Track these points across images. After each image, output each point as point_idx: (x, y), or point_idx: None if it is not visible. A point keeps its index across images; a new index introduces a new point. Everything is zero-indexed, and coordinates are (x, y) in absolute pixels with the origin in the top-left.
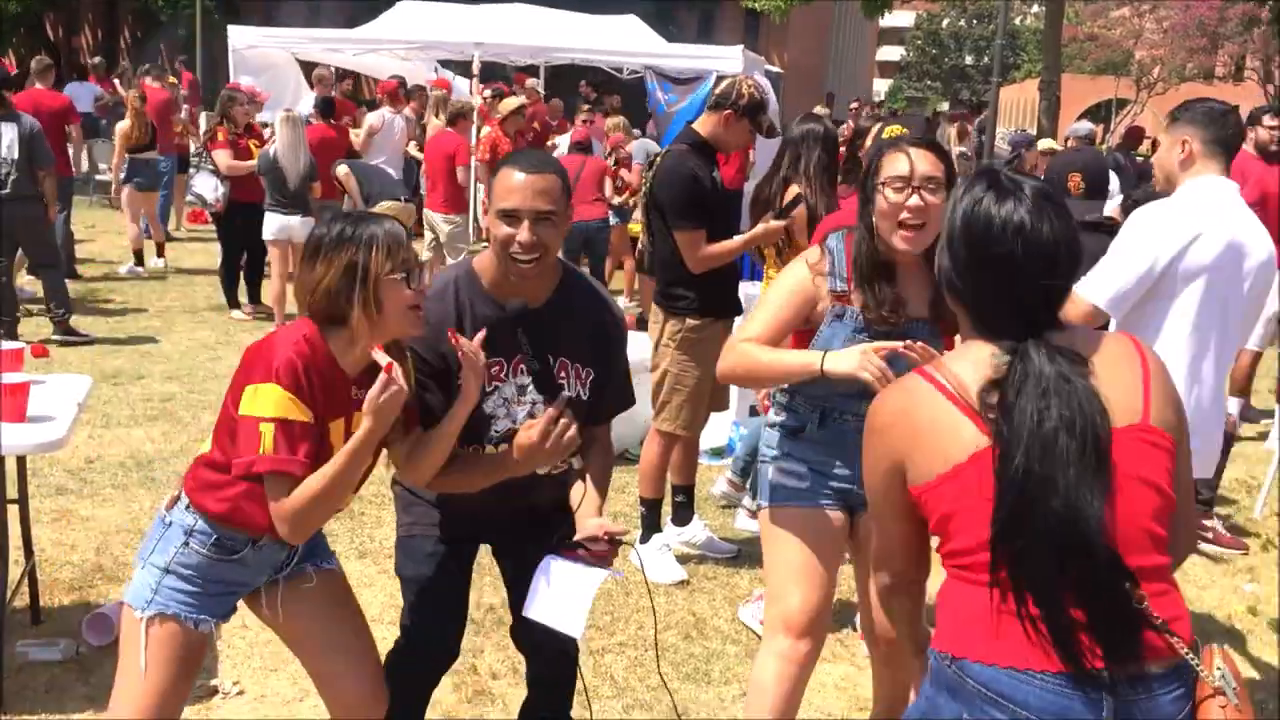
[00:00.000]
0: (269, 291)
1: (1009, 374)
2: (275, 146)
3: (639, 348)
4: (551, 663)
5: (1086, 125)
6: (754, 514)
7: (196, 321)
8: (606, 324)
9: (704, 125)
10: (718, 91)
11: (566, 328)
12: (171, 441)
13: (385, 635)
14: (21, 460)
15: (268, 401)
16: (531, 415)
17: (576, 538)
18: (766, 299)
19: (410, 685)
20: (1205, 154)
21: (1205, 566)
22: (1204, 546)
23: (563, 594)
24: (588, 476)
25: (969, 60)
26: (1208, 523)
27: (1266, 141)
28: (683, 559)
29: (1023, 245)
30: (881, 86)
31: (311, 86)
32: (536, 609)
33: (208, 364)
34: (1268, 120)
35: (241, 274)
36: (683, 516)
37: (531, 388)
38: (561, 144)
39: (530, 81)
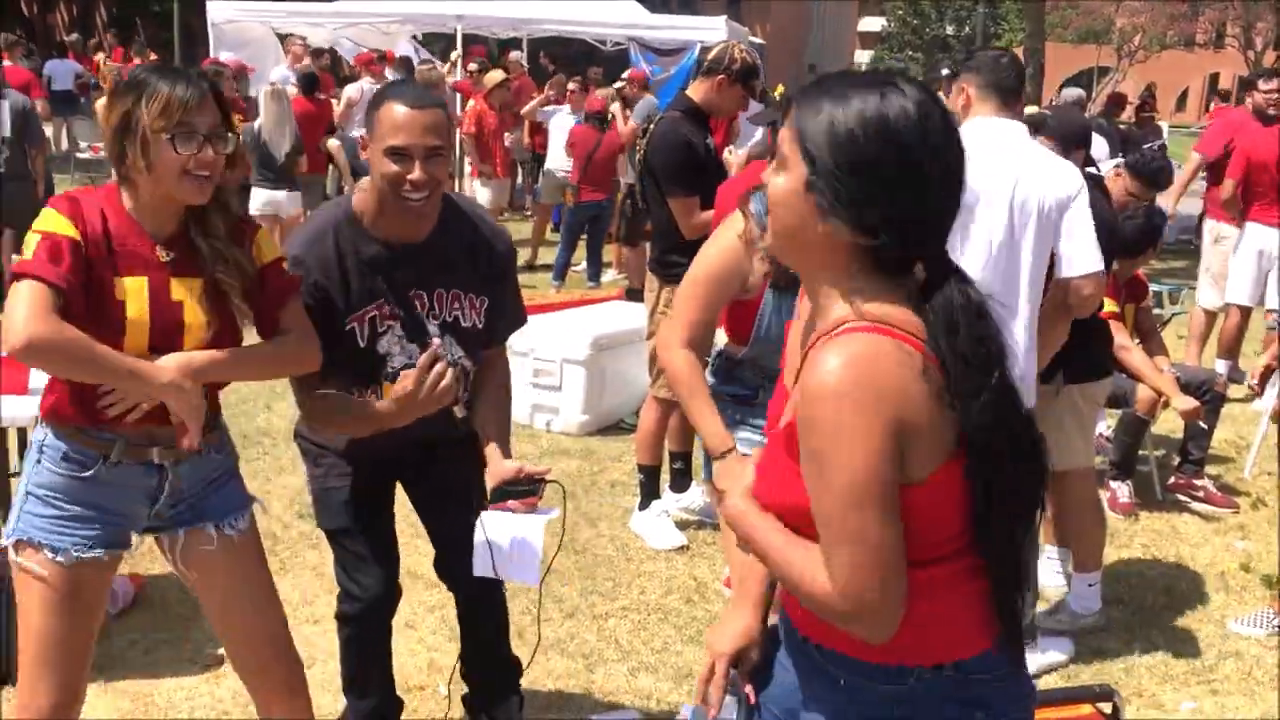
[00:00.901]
0: None
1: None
2: (260, 121)
3: (633, 317)
4: (478, 592)
5: (1076, 91)
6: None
7: None
8: (492, 246)
9: (697, 91)
10: (710, 57)
11: (455, 258)
12: None
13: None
14: (23, 432)
15: (39, 223)
16: (425, 350)
17: (493, 485)
18: (696, 273)
19: (363, 634)
20: (979, 98)
21: (1198, 525)
22: (1196, 506)
23: (508, 548)
24: (487, 415)
25: (949, 30)
26: (1199, 482)
27: (1263, 105)
28: (682, 525)
29: (939, 139)
30: (863, 57)
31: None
32: (485, 567)
33: None
34: (1263, 84)
35: None
36: (681, 483)
37: (426, 320)
38: (562, 115)
39: (513, 55)
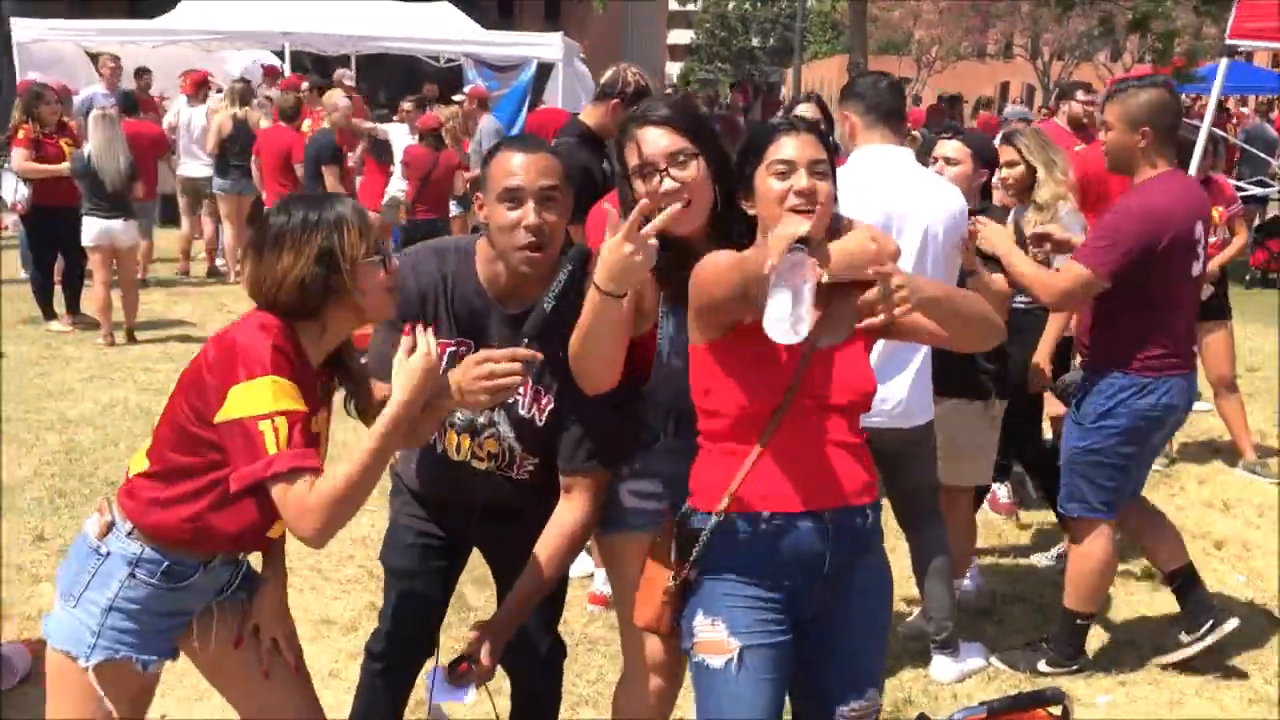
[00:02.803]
0: (92, 300)
1: None
2: (89, 147)
3: None
4: (538, 687)
5: (1021, 109)
6: None
7: (13, 336)
8: (571, 293)
9: (591, 116)
10: (603, 81)
11: (539, 346)
12: (21, 466)
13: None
14: None
15: (265, 396)
16: (507, 413)
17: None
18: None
19: (384, 676)
20: (864, 125)
21: None
22: None
23: (430, 704)
24: (522, 575)
25: (755, 42)
26: None
27: (1079, 115)
28: (589, 551)
29: None
30: (673, 69)
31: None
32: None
33: (37, 380)
34: (1080, 95)
35: (59, 283)
36: None
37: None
38: (399, 135)
39: (339, 72)
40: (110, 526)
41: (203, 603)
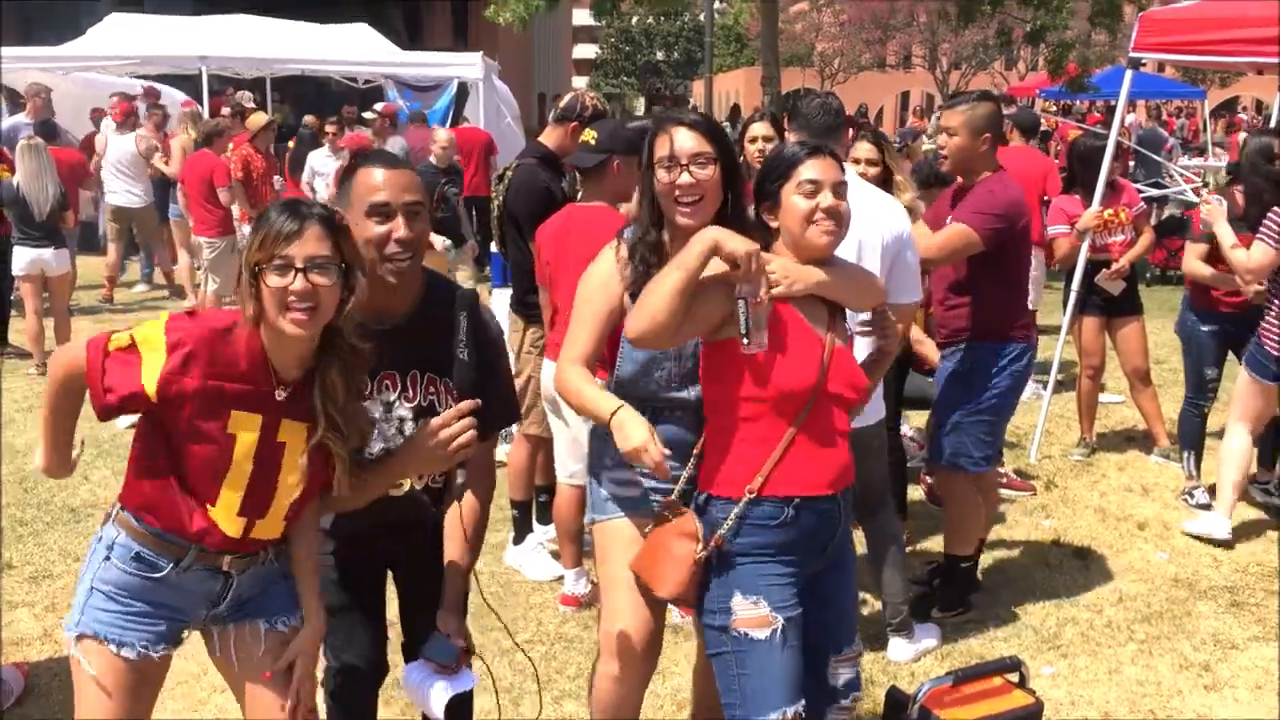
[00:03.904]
0: (25, 330)
1: None
2: (18, 176)
3: None
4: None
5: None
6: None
7: None
8: (477, 332)
9: (550, 138)
10: (561, 105)
11: (434, 340)
12: None
13: None
14: None
15: (149, 330)
16: (401, 433)
17: (438, 627)
18: (580, 307)
19: (342, 709)
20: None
21: (1006, 508)
22: (1001, 492)
23: (420, 699)
24: (449, 553)
25: (660, 56)
26: (1000, 470)
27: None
28: (557, 555)
29: None
30: (579, 84)
31: (20, 107)
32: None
33: None
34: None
35: None
36: (546, 516)
37: (398, 403)
38: (320, 156)
39: (240, 94)
40: (108, 515)
41: (194, 609)
